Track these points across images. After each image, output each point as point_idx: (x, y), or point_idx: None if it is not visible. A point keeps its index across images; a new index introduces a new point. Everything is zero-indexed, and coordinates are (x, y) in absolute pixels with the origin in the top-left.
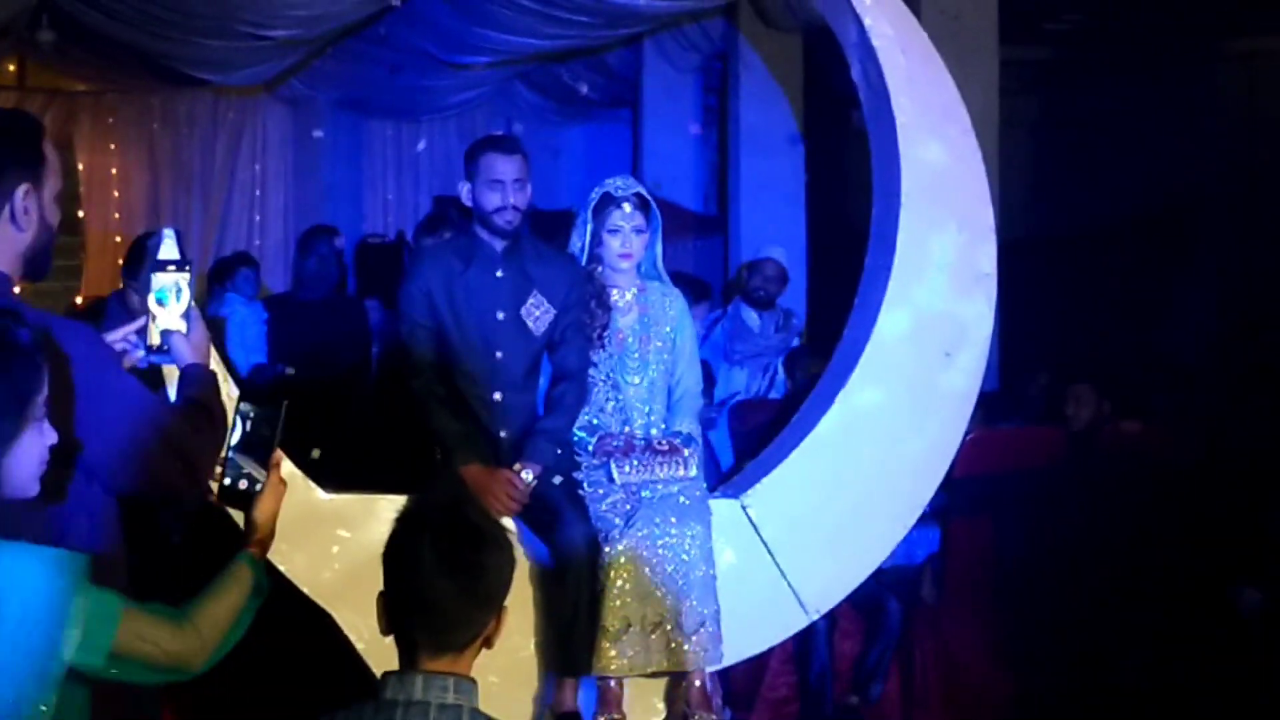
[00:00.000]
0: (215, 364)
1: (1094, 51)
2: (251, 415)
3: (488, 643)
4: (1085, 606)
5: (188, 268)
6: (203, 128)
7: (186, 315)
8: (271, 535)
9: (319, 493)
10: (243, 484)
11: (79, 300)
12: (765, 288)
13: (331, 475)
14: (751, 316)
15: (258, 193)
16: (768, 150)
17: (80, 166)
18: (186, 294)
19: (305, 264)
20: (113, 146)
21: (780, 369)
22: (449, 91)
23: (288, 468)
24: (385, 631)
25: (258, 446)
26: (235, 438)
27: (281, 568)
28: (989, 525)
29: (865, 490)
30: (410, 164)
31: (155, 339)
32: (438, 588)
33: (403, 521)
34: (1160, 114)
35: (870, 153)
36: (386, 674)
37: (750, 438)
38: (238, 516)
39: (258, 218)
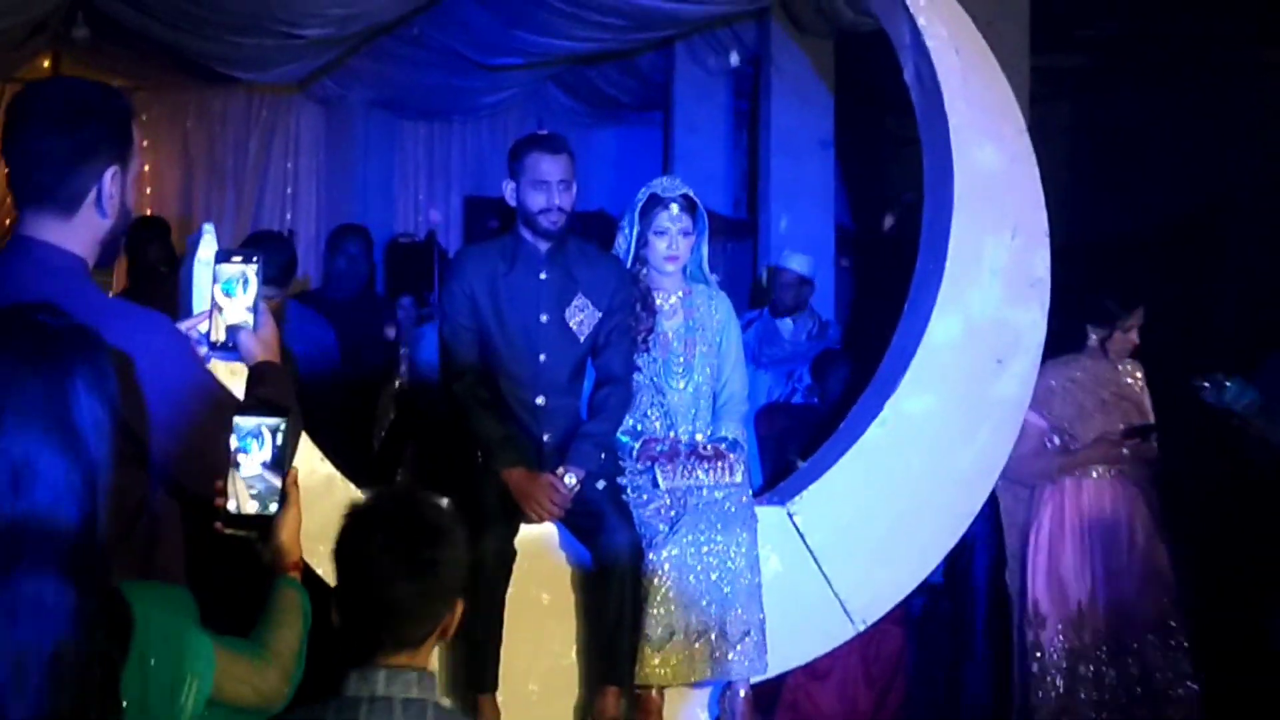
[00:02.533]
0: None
1: (1127, 59)
2: (255, 429)
3: (444, 634)
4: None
5: (256, 259)
6: (236, 126)
7: (254, 309)
8: (301, 556)
9: (358, 493)
10: (253, 506)
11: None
12: (782, 296)
13: (366, 476)
14: (785, 322)
15: (289, 190)
16: (798, 154)
17: None
18: (255, 285)
19: (334, 263)
20: (145, 144)
21: (807, 375)
22: (481, 92)
23: (325, 470)
24: (339, 626)
25: (267, 462)
26: (240, 456)
27: (319, 570)
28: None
29: (913, 499)
30: (442, 164)
31: (221, 334)
32: (394, 586)
33: (353, 518)
34: (1194, 123)
35: (921, 156)
36: (348, 669)
37: (776, 442)
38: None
39: (289, 216)
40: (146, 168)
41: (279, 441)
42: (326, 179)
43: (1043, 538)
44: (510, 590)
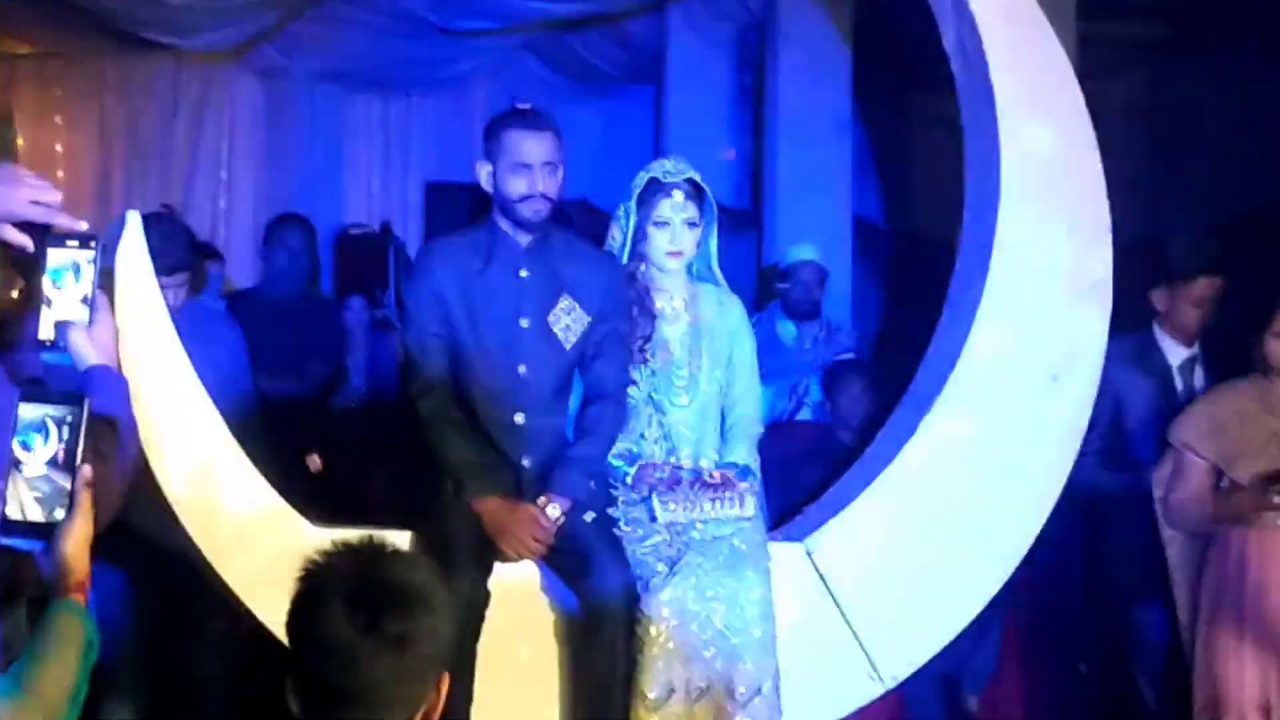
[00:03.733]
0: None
1: (1192, 27)
2: (39, 421)
3: (427, 718)
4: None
5: (93, 244)
6: (161, 100)
7: (89, 302)
8: (88, 574)
9: (309, 528)
10: (35, 512)
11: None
12: (808, 296)
13: (316, 504)
14: (787, 328)
15: (224, 175)
16: (810, 136)
17: (20, 143)
18: (90, 275)
19: (273, 257)
20: (58, 120)
21: (815, 388)
22: (444, 62)
23: (270, 499)
24: (298, 714)
25: (54, 460)
26: (22, 453)
27: (262, 616)
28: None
29: (953, 536)
30: (400, 145)
31: (49, 331)
32: (360, 665)
33: (307, 581)
34: (1269, 100)
35: (957, 138)
36: None
37: (780, 468)
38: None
39: (223, 204)
40: (59, 147)
41: (67, 436)
42: (266, 161)
43: (1208, 603)
44: (483, 641)
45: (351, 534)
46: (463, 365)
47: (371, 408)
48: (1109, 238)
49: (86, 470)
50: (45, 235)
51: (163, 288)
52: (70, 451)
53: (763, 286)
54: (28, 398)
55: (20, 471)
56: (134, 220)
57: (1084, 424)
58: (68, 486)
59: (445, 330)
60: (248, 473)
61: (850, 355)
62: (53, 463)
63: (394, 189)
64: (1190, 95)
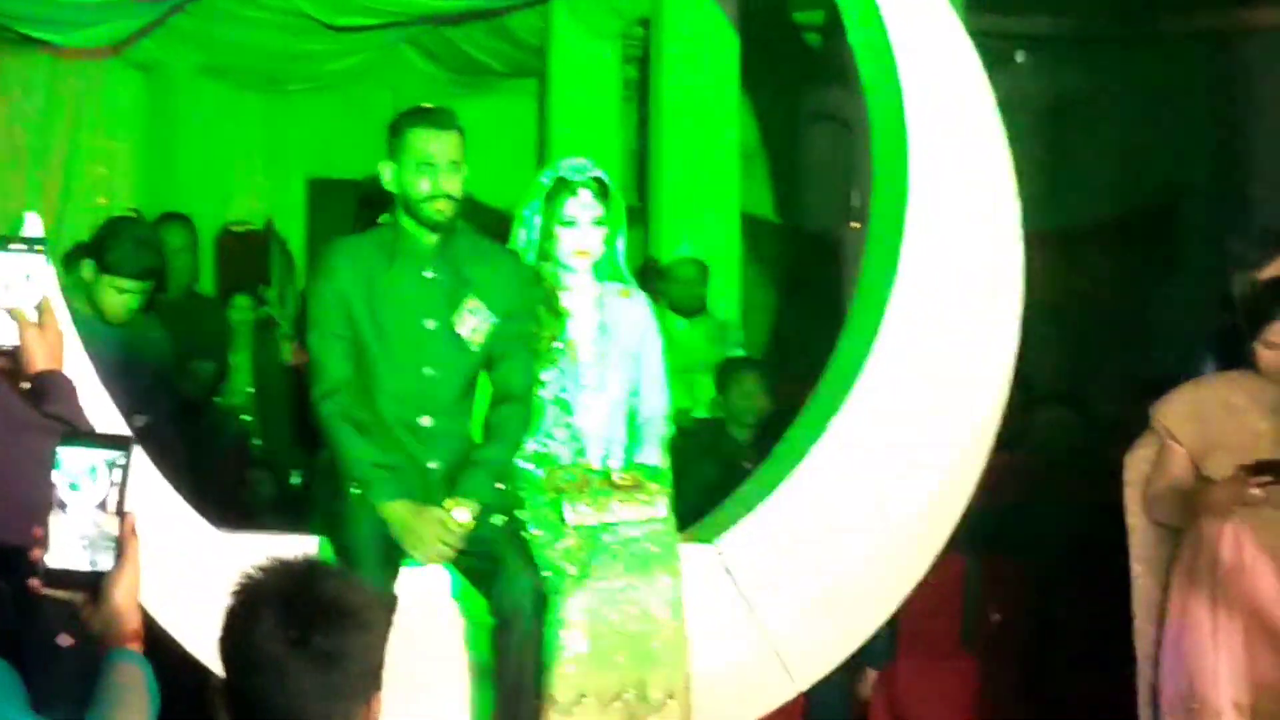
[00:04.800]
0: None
1: (1075, 23)
2: (89, 464)
3: None
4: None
5: (41, 247)
6: (38, 96)
7: (39, 307)
8: (140, 622)
9: (212, 534)
10: (81, 560)
11: None
12: (690, 293)
13: (209, 510)
14: (676, 325)
15: (103, 172)
16: (697, 131)
17: None
18: (40, 280)
19: None
20: None
21: (707, 387)
22: (326, 58)
23: (173, 503)
24: None
25: (103, 505)
26: (69, 496)
27: (166, 625)
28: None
29: (865, 536)
30: (282, 141)
31: (6, 338)
32: (290, 683)
33: (239, 599)
34: (1148, 97)
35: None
36: None
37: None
38: None
39: (102, 201)
40: None
41: (118, 479)
42: (146, 159)
43: (1180, 597)
44: (390, 646)
45: (257, 546)
46: (367, 367)
47: (259, 406)
48: (1020, 233)
49: (133, 516)
50: None
51: (126, 292)
52: (120, 496)
53: (644, 284)
54: (72, 439)
55: (65, 516)
56: (32, 222)
57: (995, 421)
58: (114, 533)
59: (349, 331)
60: (151, 478)
61: (740, 351)
62: (101, 508)
63: (277, 186)
64: (1072, 90)
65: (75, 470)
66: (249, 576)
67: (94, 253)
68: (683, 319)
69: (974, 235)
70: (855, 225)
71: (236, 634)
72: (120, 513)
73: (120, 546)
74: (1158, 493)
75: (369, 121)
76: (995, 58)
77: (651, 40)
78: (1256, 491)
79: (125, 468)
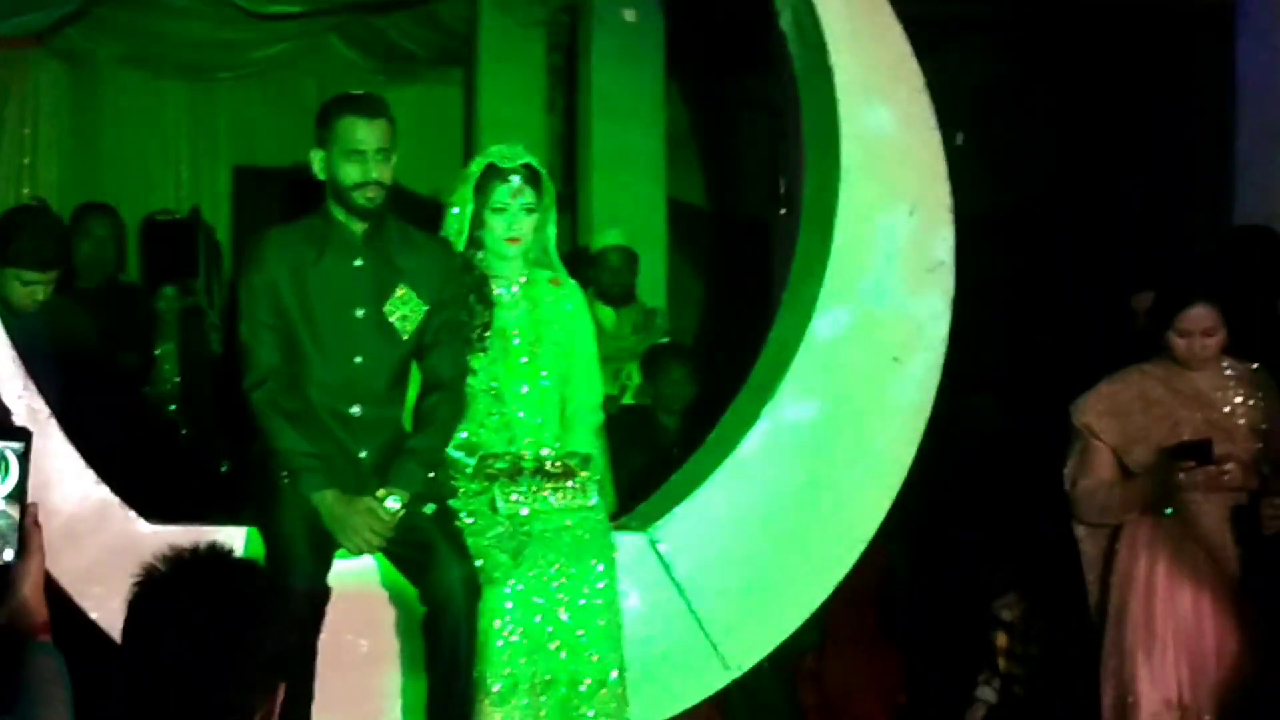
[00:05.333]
0: None
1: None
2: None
3: None
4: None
5: None
6: None
7: None
8: (47, 613)
9: (141, 524)
10: None
11: None
12: (618, 281)
13: (143, 502)
14: (605, 313)
15: (27, 161)
16: (623, 118)
17: None
18: None
19: (78, 248)
20: None
21: (635, 372)
22: (251, 46)
23: (101, 494)
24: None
25: (7, 496)
26: None
27: (94, 615)
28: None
29: (797, 522)
30: (208, 130)
31: None
32: (192, 669)
33: (143, 585)
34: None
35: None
36: None
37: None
38: None
39: (26, 191)
40: None
41: (20, 469)
42: (71, 148)
43: (1116, 599)
44: (323, 637)
45: (186, 537)
46: (297, 356)
47: (185, 395)
48: (950, 218)
49: (35, 507)
50: None
51: (32, 283)
52: (21, 486)
53: (572, 271)
54: None
55: None
56: None
57: (927, 406)
58: (18, 521)
59: (279, 320)
60: (78, 468)
61: (667, 339)
62: (6, 499)
63: (202, 174)
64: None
65: None
66: (151, 566)
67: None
68: (611, 307)
69: (904, 218)
70: (783, 211)
71: (136, 624)
72: (22, 505)
73: (23, 538)
74: (1085, 490)
75: (294, 110)
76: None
77: (579, 27)
78: (1183, 476)
79: (24, 459)
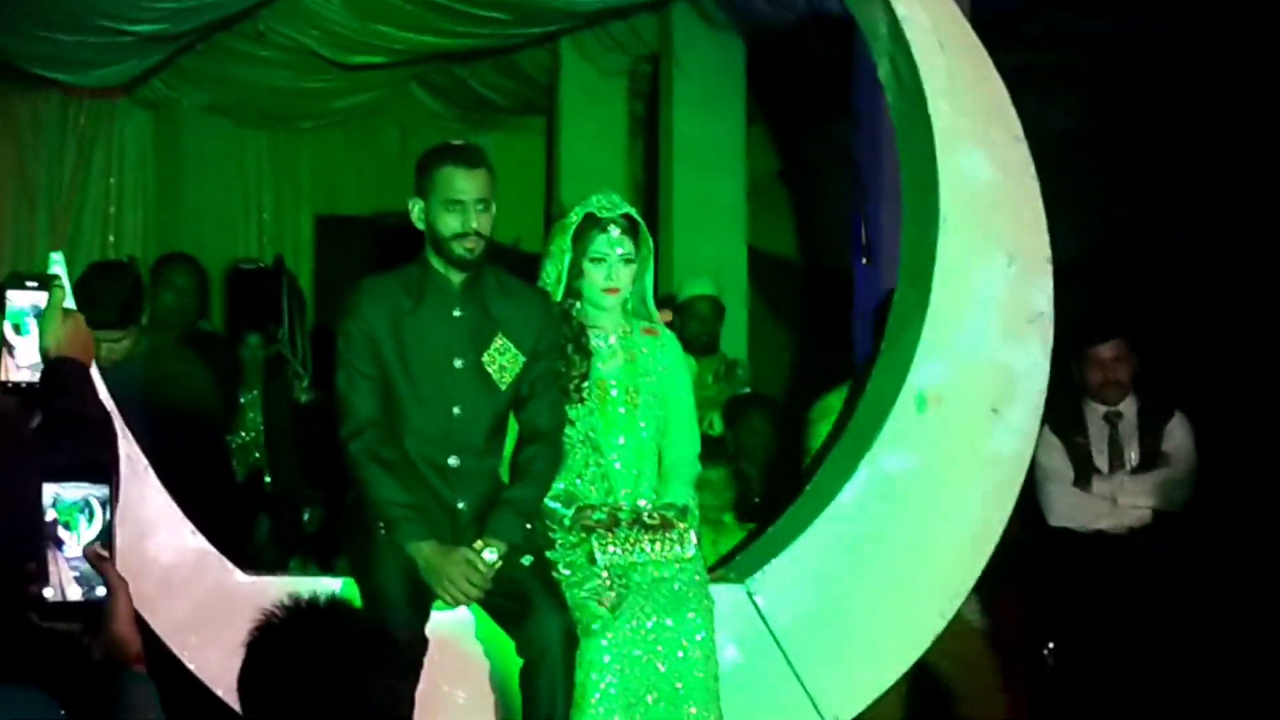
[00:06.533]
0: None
1: (1077, 59)
2: (81, 502)
3: None
4: None
5: (57, 282)
6: (49, 135)
7: None
8: (141, 644)
9: (237, 574)
10: (74, 592)
11: None
12: (705, 330)
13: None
14: (689, 362)
15: (112, 210)
16: (705, 167)
17: None
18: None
19: (160, 297)
20: None
21: (717, 422)
22: (334, 95)
23: (198, 544)
24: None
25: (95, 540)
26: (63, 533)
27: (191, 665)
28: None
29: (895, 574)
30: (290, 178)
31: (13, 374)
32: (304, 713)
33: (260, 639)
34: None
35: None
36: None
37: None
38: None
39: (112, 239)
40: None
41: (109, 516)
42: (155, 196)
43: None
44: (420, 687)
45: (283, 587)
46: (395, 406)
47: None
48: (1049, 268)
49: (114, 545)
50: (7, 278)
51: (107, 340)
52: (109, 528)
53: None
54: (57, 474)
55: (61, 552)
56: (57, 262)
57: (1026, 457)
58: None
59: (376, 370)
60: (175, 518)
61: (748, 389)
62: (93, 542)
63: (284, 222)
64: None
65: (68, 508)
66: (269, 614)
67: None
68: (693, 356)
69: (1003, 268)
70: (864, 261)
71: (256, 672)
72: (110, 544)
73: (104, 575)
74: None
75: (376, 158)
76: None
77: (661, 76)
78: None
79: (110, 501)
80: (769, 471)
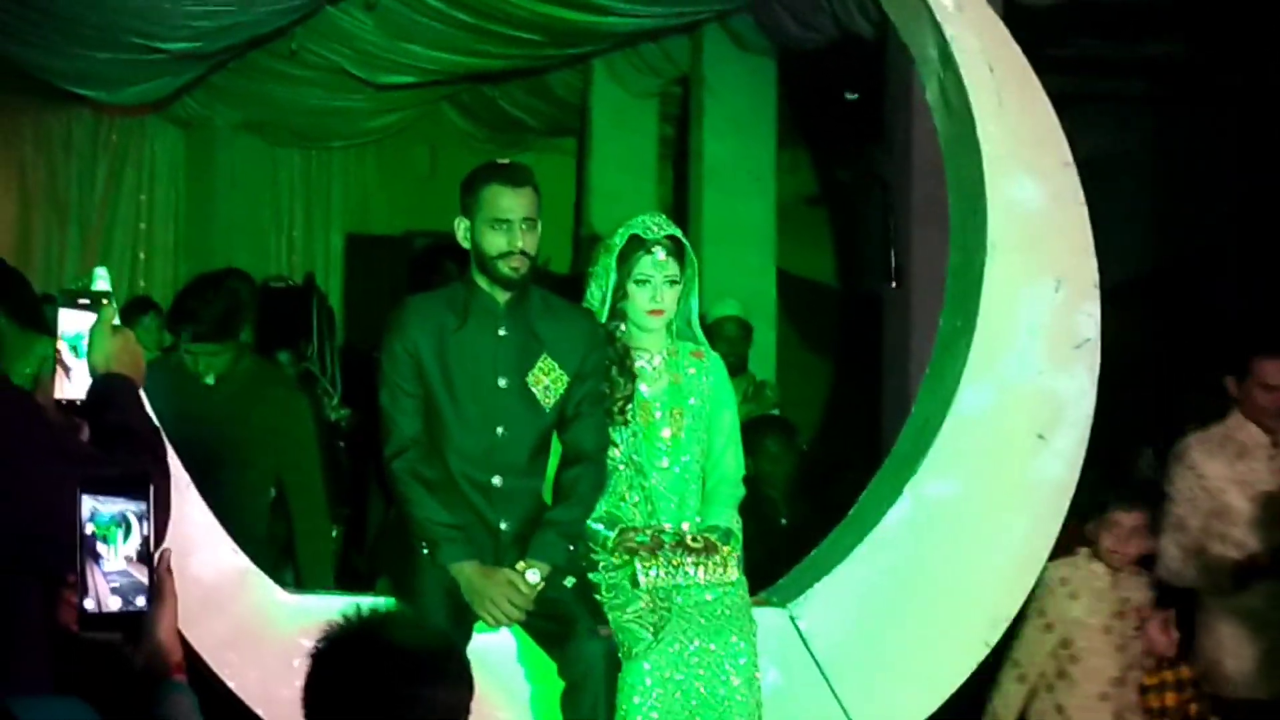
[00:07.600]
0: None
1: (1105, 82)
2: (118, 516)
3: None
4: None
5: (108, 301)
6: (81, 152)
7: None
8: (182, 653)
9: (278, 593)
10: (116, 603)
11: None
12: (733, 352)
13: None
14: None
15: (143, 226)
16: (735, 190)
17: None
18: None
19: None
20: None
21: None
22: (366, 115)
23: (239, 562)
24: None
25: (133, 555)
26: (100, 546)
27: (231, 684)
28: None
29: (938, 600)
30: (321, 196)
31: (67, 393)
32: None
33: (320, 651)
34: (1178, 156)
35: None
36: None
37: None
38: None
39: (143, 255)
40: None
41: (145, 530)
42: (186, 213)
43: None
44: None
45: (325, 606)
46: (438, 425)
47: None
48: (1097, 293)
49: (169, 554)
50: (59, 294)
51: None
52: (147, 541)
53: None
54: (94, 488)
55: (99, 566)
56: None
57: (1072, 484)
58: (144, 580)
59: (420, 389)
60: (217, 536)
61: (776, 410)
62: (131, 558)
63: (315, 240)
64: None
65: (106, 522)
66: (333, 625)
67: (175, 325)
68: None
69: (1050, 293)
70: (894, 285)
71: (320, 690)
72: (149, 555)
73: (157, 584)
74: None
75: (407, 177)
76: None
77: (691, 99)
78: None
79: (149, 514)
80: (791, 493)
